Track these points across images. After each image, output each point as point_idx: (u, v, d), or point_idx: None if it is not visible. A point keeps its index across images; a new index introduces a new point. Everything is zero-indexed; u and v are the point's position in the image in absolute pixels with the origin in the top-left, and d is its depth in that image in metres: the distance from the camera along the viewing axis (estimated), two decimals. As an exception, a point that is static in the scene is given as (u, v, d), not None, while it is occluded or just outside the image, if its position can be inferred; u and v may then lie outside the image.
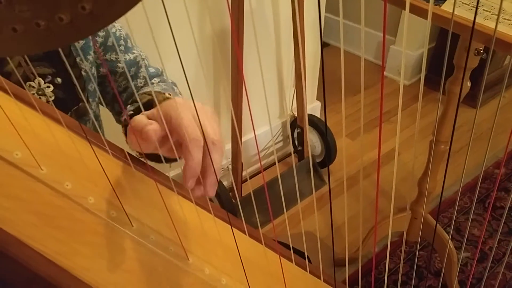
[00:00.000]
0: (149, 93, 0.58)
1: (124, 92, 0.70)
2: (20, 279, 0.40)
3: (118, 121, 0.75)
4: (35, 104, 0.44)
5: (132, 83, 0.70)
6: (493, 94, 2.27)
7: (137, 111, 0.55)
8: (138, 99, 0.46)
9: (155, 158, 0.52)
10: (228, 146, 1.54)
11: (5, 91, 0.43)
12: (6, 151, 0.42)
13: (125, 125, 0.57)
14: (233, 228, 0.53)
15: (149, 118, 0.46)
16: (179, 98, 0.48)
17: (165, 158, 0.49)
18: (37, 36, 0.28)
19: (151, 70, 0.72)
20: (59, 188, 0.44)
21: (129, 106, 0.59)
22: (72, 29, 0.28)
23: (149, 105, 0.54)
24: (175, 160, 0.50)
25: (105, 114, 0.75)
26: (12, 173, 0.42)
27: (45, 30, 0.28)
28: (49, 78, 0.57)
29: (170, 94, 0.56)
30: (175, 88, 0.70)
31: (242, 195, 1.62)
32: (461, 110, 1.41)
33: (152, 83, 0.70)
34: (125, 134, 0.57)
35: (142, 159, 0.51)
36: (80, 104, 0.61)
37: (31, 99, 0.45)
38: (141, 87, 0.70)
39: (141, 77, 0.70)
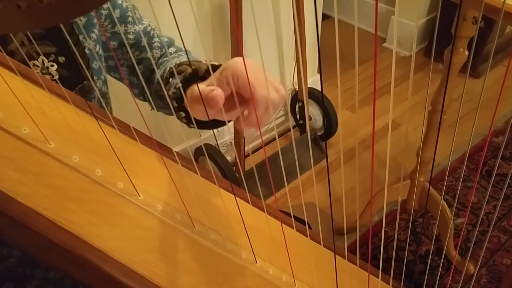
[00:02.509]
0: (187, 64, 0.58)
1: (139, 64, 0.69)
2: (37, 247, 0.42)
3: (137, 94, 0.73)
4: (41, 82, 0.46)
5: (149, 54, 0.69)
6: (495, 63, 2.25)
7: (186, 83, 0.56)
8: (175, 71, 0.52)
9: (205, 125, 0.55)
10: (231, 122, 1.54)
11: (11, 69, 0.45)
12: (15, 127, 0.44)
13: (175, 98, 0.57)
14: (236, 197, 0.55)
15: (210, 84, 0.49)
16: (237, 58, 0.51)
17: (215, 124, 0.54)
18: (40, 12, 0.29)
19: (164, 39, 0.70)
20: (67, 161, 0.46)
21: (171, 79, 0.59)
22: (74, 4, 0.29)
23: (193, 75, 0.55)
24: (224, 124, 0.54)
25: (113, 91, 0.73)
26: (21, 148, 0.44)
27: (47, 6, 0.29)
28: (53, 57, 0.57)
29: (207, 61, 0.58)
30: (193, 55, 0.69)
31: (245, 170, 1.64)
32: (461, 80, 1.41)
33: (170, 53, 0.69)
34: (173, 108, 0.58)
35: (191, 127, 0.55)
36: (84, 82, 0.62)
37: (37, 77, 0.46)
38: (159, 57, 0.69)
39: (156, 47, 0.69)
